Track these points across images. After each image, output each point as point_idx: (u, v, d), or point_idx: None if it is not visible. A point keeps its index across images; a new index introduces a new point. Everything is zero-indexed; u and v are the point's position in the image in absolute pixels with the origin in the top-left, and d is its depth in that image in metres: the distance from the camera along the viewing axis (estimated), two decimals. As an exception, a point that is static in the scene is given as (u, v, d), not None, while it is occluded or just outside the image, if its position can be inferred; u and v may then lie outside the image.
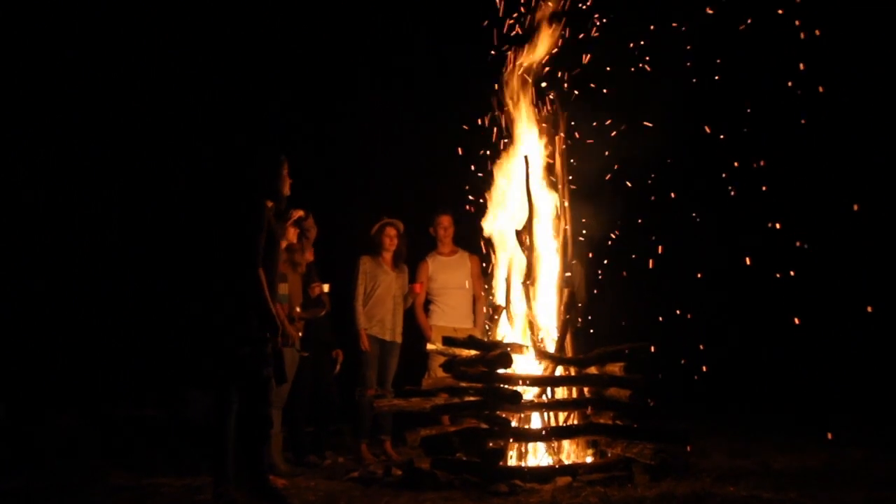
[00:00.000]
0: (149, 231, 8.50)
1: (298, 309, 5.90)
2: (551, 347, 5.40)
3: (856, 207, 7.70)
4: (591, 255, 6.04)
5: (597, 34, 5.85)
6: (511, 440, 5.00)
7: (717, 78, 6.71)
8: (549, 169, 5.68)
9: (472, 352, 5.20)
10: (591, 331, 5.78)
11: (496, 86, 5.87)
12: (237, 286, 4.49)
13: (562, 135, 5.67)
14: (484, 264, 6.55)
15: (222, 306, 4.52)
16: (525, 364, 5.29)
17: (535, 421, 5.19)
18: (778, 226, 7.78)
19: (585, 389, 5.31)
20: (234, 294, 4.49)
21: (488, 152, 5.97)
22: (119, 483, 5.07)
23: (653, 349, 5.18)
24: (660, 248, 6.35)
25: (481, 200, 6.01)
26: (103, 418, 7.00)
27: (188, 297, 4.74)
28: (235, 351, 4.47)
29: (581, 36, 5.85)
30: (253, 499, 4.39)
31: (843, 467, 5.12)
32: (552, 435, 5.08)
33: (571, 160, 5.73)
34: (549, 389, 5.25)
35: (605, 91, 5.91)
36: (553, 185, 5.65)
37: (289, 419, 5.91)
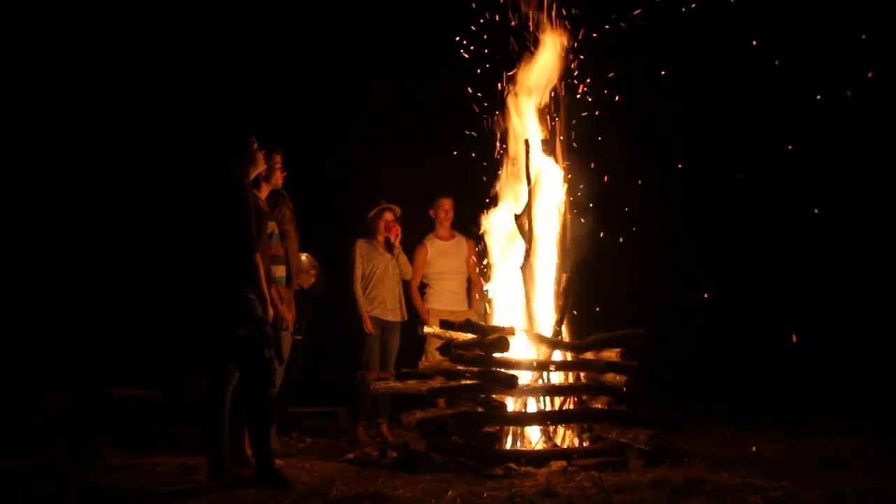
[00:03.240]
0: (146, 212, 8.46)
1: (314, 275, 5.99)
2: (548, 332, 5.40)
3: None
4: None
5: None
6: (507, 424, 5.02)
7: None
8: (550, 151, 5.66)
9: (469, 335, 5.21)
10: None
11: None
12: (236, 270, 4.49)
13: (562, 119, 5.66)
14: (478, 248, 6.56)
15: (222, 289, 4.52)
16: (522, 348, 5.30)
17: (531, 405, 5.20)
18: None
19: (582, 374, 5.32)
20: (233, 277, 4.50)
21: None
22: (115, 463, 5.08)
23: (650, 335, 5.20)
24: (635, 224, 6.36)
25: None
26: (100, 399, 7.00)
27: (186, 279, 4.73)
28: (236, 333, 4.48)
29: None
30: (257, 480, 4.41)
31: (835, 456, 5.14)
32: (547, 419, 5.10)
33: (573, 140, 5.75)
34: (545, 374, 5.26)
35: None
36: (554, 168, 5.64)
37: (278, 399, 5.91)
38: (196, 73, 8.86)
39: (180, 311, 6.65)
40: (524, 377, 5.13)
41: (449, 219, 6.86)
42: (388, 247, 6.71)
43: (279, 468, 4.51)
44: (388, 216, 6.68)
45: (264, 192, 5.21)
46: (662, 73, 6.42)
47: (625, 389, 5.03)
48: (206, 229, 4.60)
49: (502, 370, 4.94)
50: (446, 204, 6.82)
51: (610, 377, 5.13)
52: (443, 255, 6.85)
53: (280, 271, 5.32)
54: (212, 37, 8.90)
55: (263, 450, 4.45)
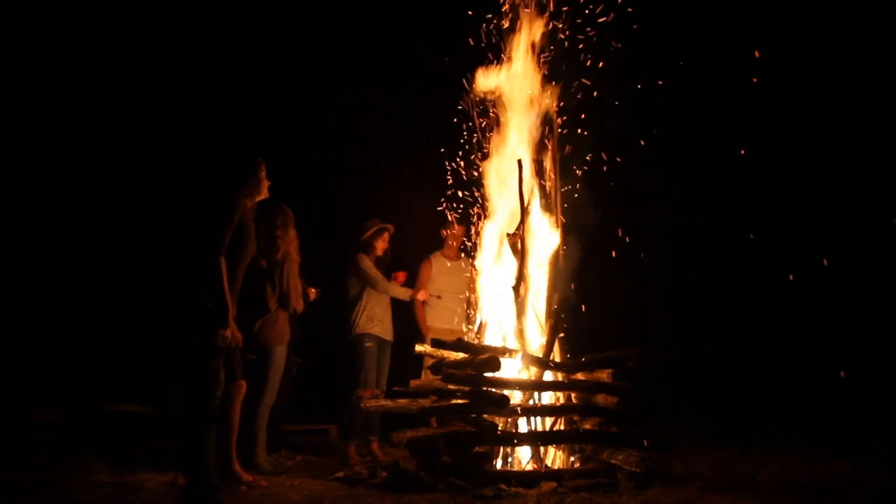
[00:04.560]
0: (140, 225, 8.44)
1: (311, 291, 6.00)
2: (540, 352, 5.39)
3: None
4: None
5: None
6: (497, 444, 5.00)
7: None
8: (542, 172, 5.67)
9: (461, 354, 5.19)
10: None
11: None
12: (194, 275, 4.49)
13: (555, 137, 5.67)
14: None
15: (179, 296, 4.53)
16: (513, 368, 5.28)
17: (522, 425, 5.18)
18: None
19: (573, 395, 5.30)
20: (190, 283, 4.49)
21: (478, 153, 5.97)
22: (101, 479, 5.04)
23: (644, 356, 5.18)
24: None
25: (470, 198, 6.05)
26: (88, 413, 6.95)
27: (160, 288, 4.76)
28: (184, 341, 4.47)
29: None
30: (188, 496, 4.36)
31: (827, 480, 5.13)
32: (538, 440, 5.08)
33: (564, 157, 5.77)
34: (536, 394, 5.24)
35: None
36: (546, 190, 5.64)
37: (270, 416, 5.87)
38: (192, 79, 8.87)
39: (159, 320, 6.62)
40: (515, 397, 5.10)
41: (458, 243, 7.01)
42: (379, 265, 6.72)
43: (214, 487, 4.43)
44: (387, 236, 6.71)
45: None
46: (660, 82, 6.43)
47: (616, 410, 5.01)
48: (185, 238, 4.61)
49: (494, 390, 4.91)
50: (457, 230, 6.94)
51: (601, 398, 5.11)
52: (446, 272, 6.94)
53: None
54: (211, 43, 8.91)
55: (198, 464, 4.39)
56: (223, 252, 4.51)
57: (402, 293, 6.67)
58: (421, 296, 6.79)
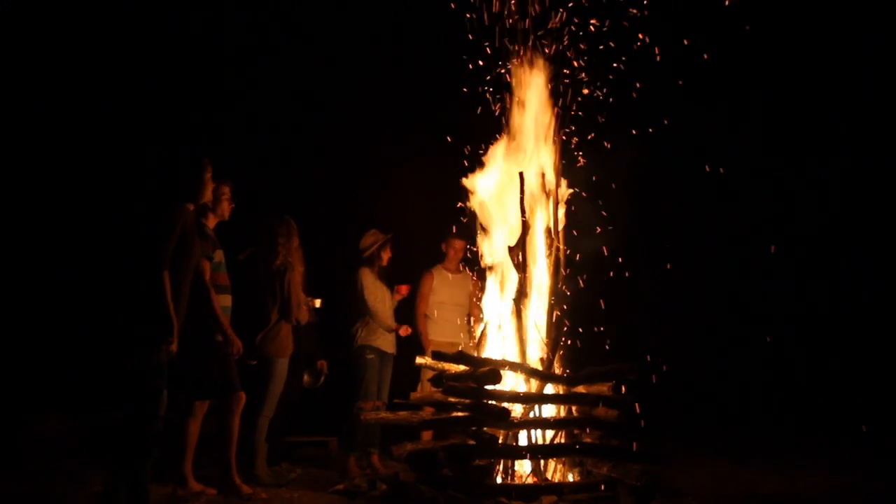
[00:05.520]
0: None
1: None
2: (540, 365, 5.38)
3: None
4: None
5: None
6: (498, 457, 4.98)
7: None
8: (544, 186, 5.66)
9: (461, 367, 5.18)
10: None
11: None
12: (136, 289, 4.30)
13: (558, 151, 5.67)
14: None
15: (120, 311, 4.36)
16: (513, 381, 5.27)
17: (523, 438, 5.16)
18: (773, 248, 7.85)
19: (573, 408, 5.29)
20: (130, 297, 4.31)
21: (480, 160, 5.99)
22: (100, 490, 5.00)
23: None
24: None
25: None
26: (88, 423, 6.94)
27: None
28: (124, 358, 4.31)
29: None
30: None
31: (830, 494, 5.11)
32: (539, 453, 5.06)
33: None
34: (536, 407, 5.23)
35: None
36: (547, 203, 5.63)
37: (270, 427, 5.87)
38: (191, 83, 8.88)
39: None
40: (516, 410, 5.09)
41: (458, 257, 7.02)
42: (380, 275, 6.72)
43: None
44: (390, 247, 6.71)
45: (212, 222, 5.20)
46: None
47: (617, 423, 4.99)
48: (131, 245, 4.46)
49: (494, 402, 4.90)
50: (457, 244, 6.97)
51: (602, 411, 5.09)
52: (447, 285, 6.95)
53: (226, 301, 5.16)
54: (211, 48, 8.93)
55: (139, 492, 4.20)
56: (167, 265, 4.27)
57: (387, 326, 6.54)
58: (403, 331, 6.68)
